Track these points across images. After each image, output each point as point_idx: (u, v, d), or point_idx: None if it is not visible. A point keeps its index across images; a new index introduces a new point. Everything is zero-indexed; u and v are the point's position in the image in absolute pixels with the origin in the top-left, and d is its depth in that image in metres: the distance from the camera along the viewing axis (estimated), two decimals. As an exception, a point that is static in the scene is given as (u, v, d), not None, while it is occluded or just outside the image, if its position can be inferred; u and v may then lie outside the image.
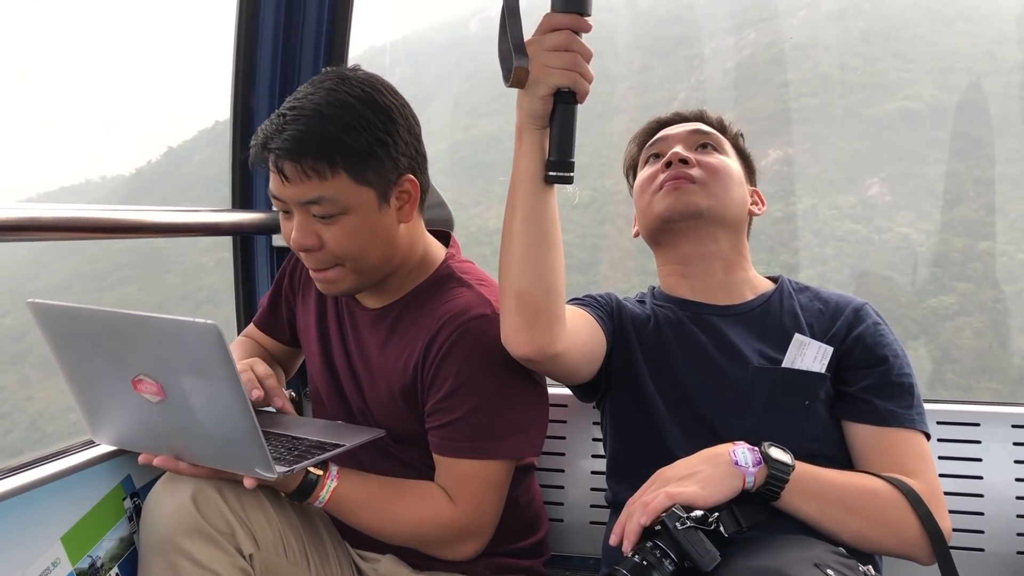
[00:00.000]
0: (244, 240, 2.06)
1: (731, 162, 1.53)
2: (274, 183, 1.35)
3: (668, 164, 1.49)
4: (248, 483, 1.26)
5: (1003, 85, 17.15)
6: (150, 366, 1.20)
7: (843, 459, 1.40)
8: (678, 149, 1.50)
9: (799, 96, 18.38)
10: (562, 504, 1.89)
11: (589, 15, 1.18)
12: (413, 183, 1.42)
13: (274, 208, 1.42)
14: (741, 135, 1.63)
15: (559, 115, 1.19)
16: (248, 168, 1.99)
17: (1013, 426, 1.73)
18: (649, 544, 1.10)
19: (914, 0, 20.86)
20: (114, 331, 1.21)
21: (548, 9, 1.18)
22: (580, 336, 1.38)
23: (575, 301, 1.53)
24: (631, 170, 1.66)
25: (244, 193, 2.04)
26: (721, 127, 1.61)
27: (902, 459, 1.33)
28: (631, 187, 1.64)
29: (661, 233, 1.52)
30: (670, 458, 1.30)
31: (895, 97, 17.70)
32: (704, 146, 1.54)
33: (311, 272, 1.45)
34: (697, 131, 1.56)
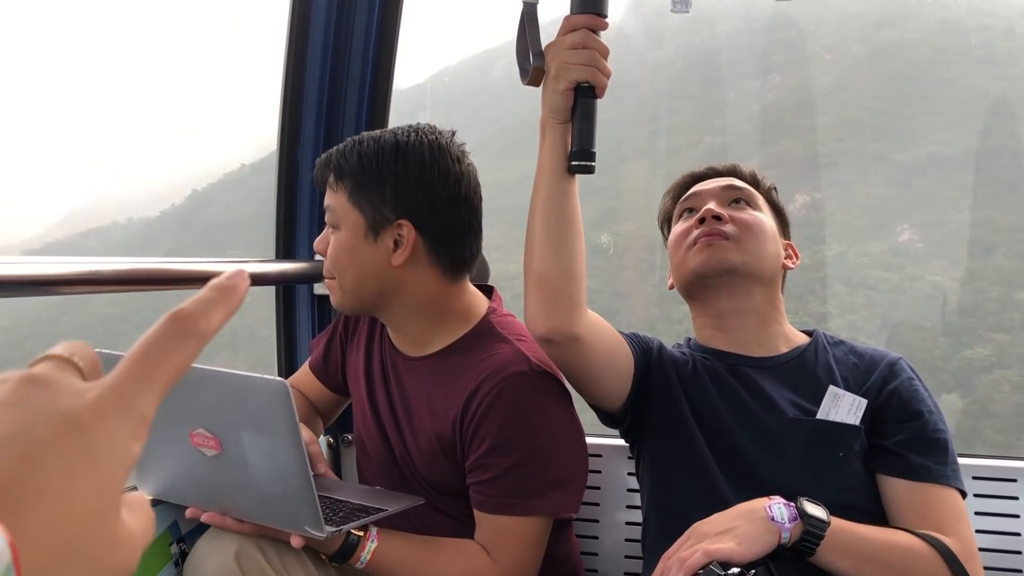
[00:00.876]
0: (287, 289, 2.13)
1: (764, 217, 1.55)
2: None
3: (702, 220, 1.50)
4: (295, 542, 1.30)
5: (1037, 129, 16.72)
6: (210, 420, 1.22)
7: (878, 512, 1.40)
8: (711, 205, 1.51)
9: (827, 141, 18.17)
10: (596, 555, 1.90)
11: (605, 15, 1.26)
12: (411, 230, 1.46)
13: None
14: (774, 188, 1.64)
15: (580, 109, 1.27)
16: (292, 220, 2.12)
17: None
18: None
19: (943, 43, 20.60)
20: (179, 384, 1.07)
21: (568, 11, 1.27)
22: (603, 335, 1.42)
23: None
24: (665, 223, 1.68)
25: (288, 243, 2.12)
26: (754, 181, 1.62)
27: (937, 516, 1.33)
28: (665, 239, 1.66)
29: (696, 288, 1.54)
30: (716, 498, 1.35)
31: (925, 141, 17.39)
32: (737, 201, 1.55)
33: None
34: (730, 186, 1.57)
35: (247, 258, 1.99)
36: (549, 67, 1.28)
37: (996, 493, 1.73)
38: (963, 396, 11.60)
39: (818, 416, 1.42)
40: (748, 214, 1.53)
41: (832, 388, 1.44)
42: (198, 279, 1.66)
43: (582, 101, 1.28)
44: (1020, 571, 1.68)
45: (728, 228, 1.49)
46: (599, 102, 1.29)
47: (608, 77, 1.27)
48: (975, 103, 18.19)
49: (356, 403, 1.69)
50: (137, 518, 0.37)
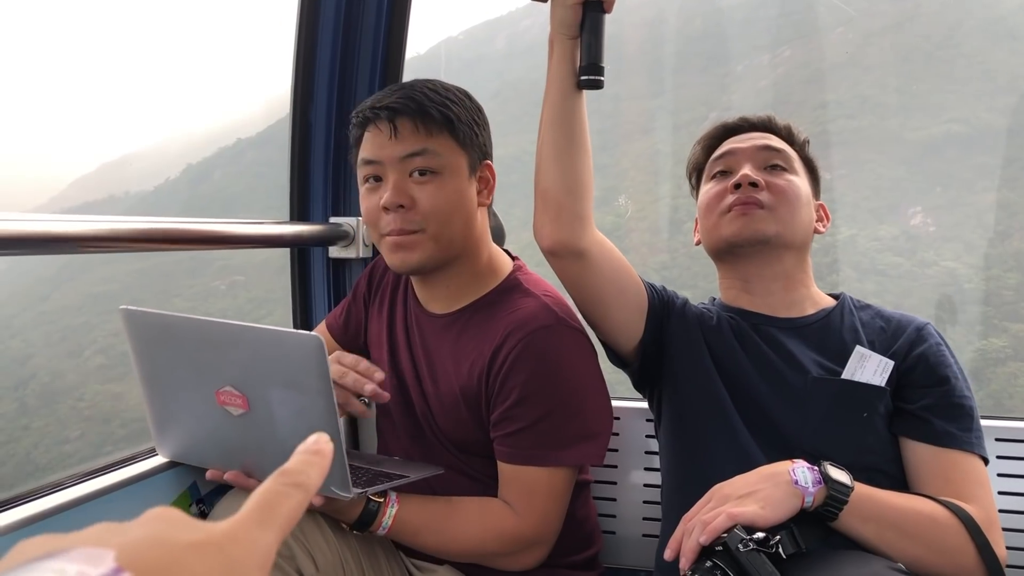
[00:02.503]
0: (302, 252, 2.16)
1: (799, 182, 1.55)
2: (375, 143, 1.47)
3: (737, 186, 1.50)
4: (317, 501, 1.31)
5: (1058, 107, 16.06)
6: (239, 377, 1.25)
7: (899, 475, 1.42)
8: (747, 171, 1.51)
9: (836, 118, 17.58)
10: (614, 517, 1.92)
11: None
12: (492, 171, 1.56)
13: (362, 180, 1.50)
14: (807, 142, 1.63)
15: (588, 23, 1.33)
16: (306, 182, 2.12)
17: None
18: (708, 563, 1.12)
19: (959, 17, 19.91)
20: (207, 340, 1.25)
21: None
22: (612, 259, 1.46)
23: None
24: (695, 172, 1.67)
25: (302, 205, 2.14)
26: (789, 136, 1.61)
27: (959, 482, 1.35)
28: (693, 189, 1.66)
29: (726, 254, 1.56)
30: (739, 451, 1.41)
31: (939, 120, 16.75)
32: (773, 166, 1.54)
33: (391, 239, 1.46)
34: (767, 147, 1.56)
35: (262, 219, 1.97)
36: None
37: (1020, 455, 1.74)
38: (978, 388, 11.09)
39: (843, 376, 1.43)
40: (784, 179, 1.53)
41: (859, 348, 1.45)
42: (212, 239, 1.69)
43: (590, 15, 1.31)
44: None
45: (763, 196, 1.49)
46: (608, 17, 1.32)
47: None
48: (994, 79, 17.56)
49: (377, 364, 1.61)
50: None
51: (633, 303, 1.52)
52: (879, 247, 14.48)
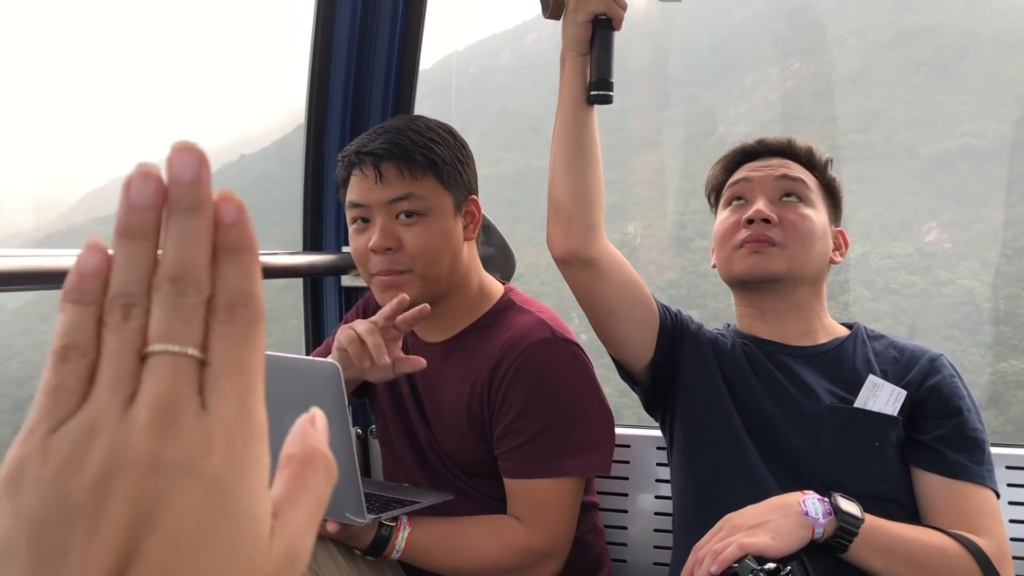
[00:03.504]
0: (314, 281, 2.18)
1: (815, 215, 1.52)
2: (362, 188, 1.49)
3: (750, 221, 1.50)
4: (331, 527, 1.34)
5: (1074, 119, 15.69)
6: None
7: (911, 504, 1.42)
8: (760, 206, 1.50)
9: (848, 132, 17.28)
10: (625, 545, 1.94)
11: None
12: (477, 205, 1.58)
13: (350, 221, 1.54)
14: (830, 162, 1.60)
15: (598, 40, 1.36)
16: (319, 211, 2.15)
17: None
18: None
19: (973, 27, 19.61)
20: None
21: None
22: (622, 271, 1.47)
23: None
24: (713, 193, 1.67)
25: (315, 236, 2.16)
26: (810, 160, 1.58)
27: (970, 515, 1.35)
28: (712, 208, 1.67)
29: (739, 287, 1.58)
30: (752, 478, 1.40)
31: (954, 133, 16.43)
32: (789, 195, 1.52)
33: (380, 279, 1.50)
34: (784, 177, 1.54)
35: (275, 250, 2.02)
36: (568, 0, 1.37)
37: None
38: (997, 414, 10.76)
39: (856, 404, 1.44)
40: (798, 214, 1.51)
41: (872, 377, 1.46)
42: None
43: (600, 33, 1.35)
44: None
45: (775, 234, 1.48)
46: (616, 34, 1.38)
47: (625, 9, 1.36)
48: (1008, 91, 17.24)
49: (378, 400, 1.70)
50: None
51: (643, 319, 1.53)
52: (893, 265, 14.14)
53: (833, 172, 1.61)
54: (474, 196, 1.58)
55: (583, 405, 1.50)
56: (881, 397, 1.43)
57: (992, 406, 11.14)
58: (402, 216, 1.48)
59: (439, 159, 1.48)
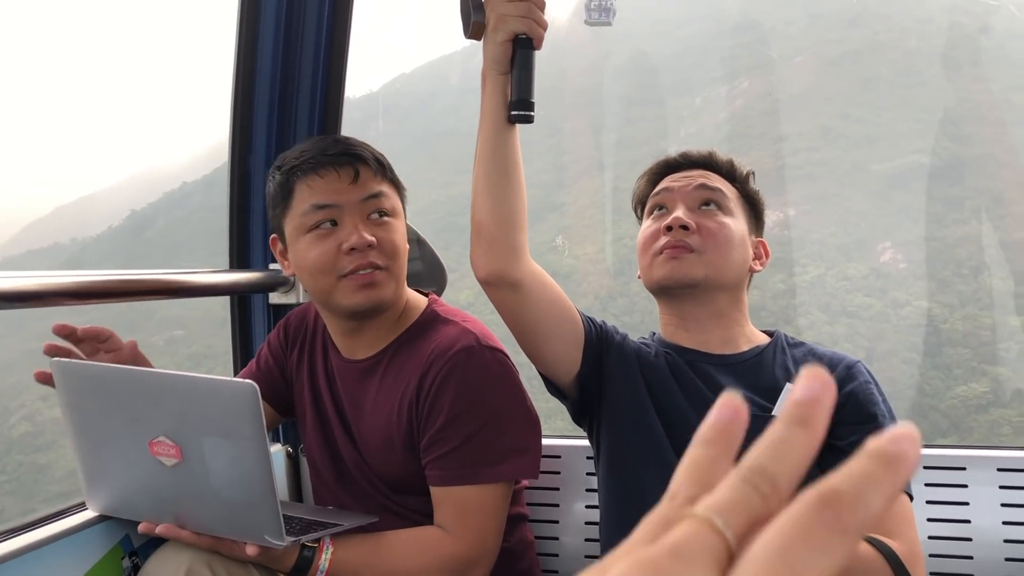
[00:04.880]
0: (242, 299, 2.17)
1: (733, 223, 1.57)
2: (332, 188, 1.50)
3: (669, 228, 1.56)
4: (251, 551, 1.32)
5: (1023, 135, 15.66)
6: (173, 427, 1.26)
7: None
8: (679, 214, 1.56)
9: (799, 151, 17.13)
10: (557, 555, 1.96)
11: None
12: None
13: (309, 227, 1.52)
14: (752, 175, 1.66)
15: (518, 60, 1.35)
16: (246, 229, 2.13)
17: (999, 469, 1.79)
18: None
19: (918, 45, 19.66)
20: (140, 390, 1.27)
21: None
22: (547, 290, 1.49)
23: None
24: (639, 204, 1.72)
25: (242, 253, 2.14)
26: (730, 172, 1.63)
27: (884, 519, 1.37)
28: (639, 219, 1.72)
29: (660, 294, 1.63)
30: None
31: (905, 150, 16.37)
32: (708, 204, 1.58)
33: (356, 277, 1.50)
34: (703, 186, 1.60)
35: (201, 268, 1.96)
36: (488, 19, 1.37)
37: (946, 482, 1.79)
38: (960, 440, 10.50)
39: (774, 413, 1.49)
40: (716, 221, 1.55)
41: (789, 385, 1.52)
42: (150, 290, 1.73)
43: (520, 52, 1.35)
44: (971, 557, 1.74)
45: (694, 240, 1.53)
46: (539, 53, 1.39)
47: (545, 29, 1.35)
48: (956, 108, 17.26)
49: (302, 419, 1.71)
50: None
51: (569, 334, 1.54)
52: (849, 287, 13.94)
53: (755, 185, 1.65)
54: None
55: (509, 412, 1.52)
56: None
57: (954, 432, 10.93)
58: (374, 215, 1.50)
59: (388, 167, 1.56)
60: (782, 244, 14.06)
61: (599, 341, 1.59)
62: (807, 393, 0.32)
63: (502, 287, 1.42)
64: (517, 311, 1.47)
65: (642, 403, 1.53)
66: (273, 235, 1.62)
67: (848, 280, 14.01)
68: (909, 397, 11.27)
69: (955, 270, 13.59)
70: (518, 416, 1.52)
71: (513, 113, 1.36)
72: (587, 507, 1.95)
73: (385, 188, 1.52)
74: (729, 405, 0.35)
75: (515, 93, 1.36)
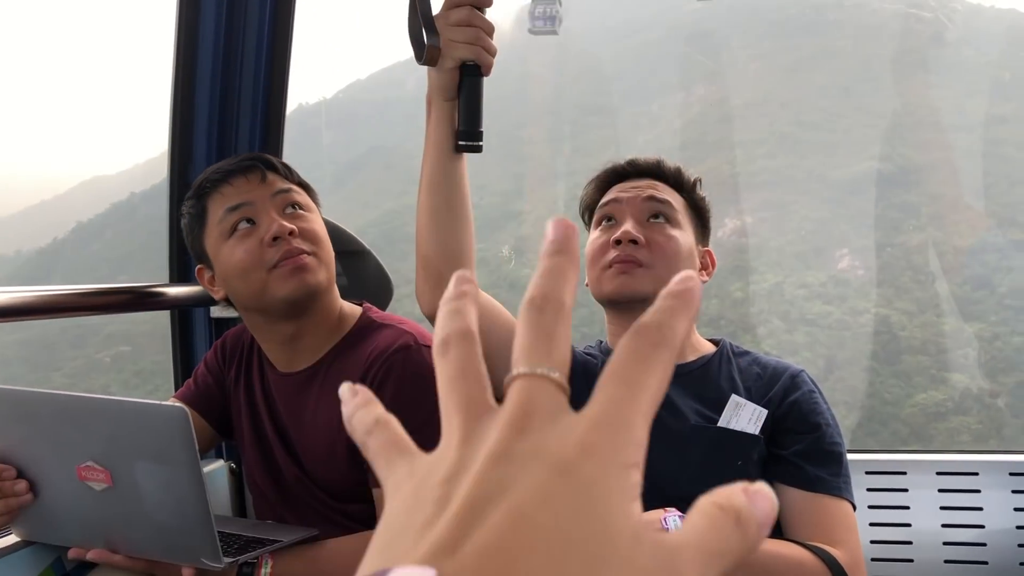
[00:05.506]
0: (183, 313, 2.17)
1: (681, 236, 1.58)
2: (243, 189, 1.53)
3: (617, 242, 1.56)
4: (187, 573, 1.32)
5: (977, 141, 15.78)
6: (101, 451, 1.25)
7: (777, 520, 1.08)
8: (628, 227, 1.56)
9: (755, 158, 17.08)
10: None
11: None
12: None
13: (229, 231, 1.54)
14: (699, 182, 1.66)
15: (466, 87, 1.29)
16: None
17: (938, 473, 1.81)
18: None
19: (874, 51, 19.79)
20: (66, 415, 1.27)
21: None
22: (498, 323, 1.47)
23: None
24: (587, 211, 1.70)
25: (182, 266, 2.14)
26: (678, 180, 1.65)
27: (828, 527, 1.42)
28: (587, 226, 1.70)
29: (608, 306, 1.63)
30: None
31: (861, 157, 16.37)
32: (656, 216, 1.59)
33: (285, 264, 1.51)
34: (651, 198, 1.60)
35: (139, 283, 1.97)
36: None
37: (888, 486, 1.83)
38: (920, 447, 10.41)
39: (719, 424, 1.50)
40: (665, 235, 1.56)
41: (734, 397, 1.52)
42: (87, 306, 1.73)
43: (468, 80, 1.29)
44: (911, 560, 1.79)
45: (642, 255, 1.52)
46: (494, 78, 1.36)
47: (494, 56, 1.30)
48: (911, 114, 17.33)
49: (240, 439, 1.71)
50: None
51: None
52: (807, 295, 13.82)
53: (702, 191, 1.67)
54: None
55: None
56: (743, 416, 1.49)
57: (915, 441, 10.83)
58: (289, 209, 1.53)
59: (305, 181, 1.60)
60: (740, 252, 13.97)
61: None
62: (558, 231, 0.38)
63: None
64: None
65: None
66: (199, 265, 1.61)
67: (806, 288, 13.93)
68: (870, 406, 11.19)
69: (912, 276, 13.58)
70: None
71: (460, 143, 1.31)
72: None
73: (295, 188, 1.56)
74: (561, 222, 0.39)
75: (462, 122, 1.30)
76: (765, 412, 1.48)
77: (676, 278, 0.37)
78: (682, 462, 1.45)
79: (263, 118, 2.12)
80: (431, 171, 1.35)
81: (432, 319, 1.37)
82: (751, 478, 1.11)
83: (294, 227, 1.50)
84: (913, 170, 15.60)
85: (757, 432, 1.48)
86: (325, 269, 1.54)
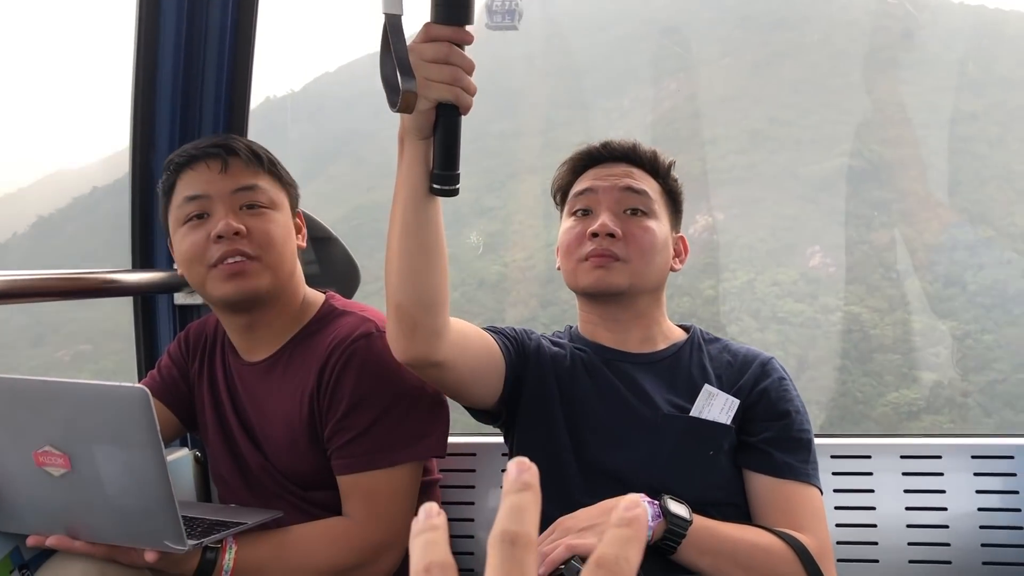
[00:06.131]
0: (145, 300, 2.13)
1: (657, 227, 1.57)
2: (202, 179, 1.53)
3: (594, 234, 1.54)
4: (150, 556, 1.29)
5: (946, 138, 15.79)
6: (59, 436, 1.23)
7: (745, 506, 1.49)
8: (605, 219, 1.53)
9: (726, 154, 16.99)
10: (472, 554, 1.97)
11: (471, 24, 1.17)
12: (302, 218, 1.67)
13: (182, 220, 1.54)
14: (673, 165, 1.65)
15: (442, 127, 1.20)
16: (150, 228, 2.10)
17: (902, 456, 1.84)
18: None
19: (844, 46, 19.76)
20: (22, 399, 1.24)
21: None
22: (469, 352, 1.44)
23: (490, 329, 1.59)
24: (559, 192, 1.70)
25: (145, 252, 2.10)
26: (654, 165, 1.63)
27: (796, 513, 1.42)
28: (558, 207, 1.69)
29: (583, 297, 1.63)
30: (568, 501, 1.40)
31: (832, 153, 16.33)
32: (634, 211, 1.57)
33: (224, 267, 1.49)
34: (628, 188, 1.58)
35: (103, 268, 1.94)
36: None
37: (853, 470, 1.85)
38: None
39: (691, 413, 1.48)
40: (641, 227, 1.55)
41: (707, 387, 1.50)
42: (47, 292, 1.71)
43: (444, 120, 1.19)
44: (875, 543, 1.81)
45: (619, 249, 1.52)
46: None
47: (473, 95, 1.19)
48: (882, 110, 17.33)
49: (203, 427, 1.70)
50: None
51: (494, 375, 1.52)
52: (779, 292, 13.72)
53: (675, 174, 1.64)
54: (300, 210, 1.65)
55: (413, 395, 1.51)
56: (715, 406, 1.48)
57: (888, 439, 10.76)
58: (245, 208, 1.51)
59: (274, 163, 1.59)
60: (711, 249, 13.89)
61: (518, 358, 1.57)
62: (520, 470, 0.42)
63: (424, 367, 1.35)
64: (441, 382, 1.44)
65: (552, 411, 1.54)
66: (169, 238, 1.61)
67: (778, 285, 13.85)
68: (842, 405, 11.13)
69: (884, 274, 13.56)
70: (423, 398, 1.53)
71: (435, 186, 1.22)
72: (504, 505, 1.94)
73: (261, 182, 1.54)
74: (523, 462, 0.43)
75: (438, 164, 1.20)
76: (737, 402, 1.49)
77: (622, 506, 0.42)
78: (654, 451, 1.46)
79: (227, 105, 2.09)
80: (403, 214, 1.25)
81: (406, 364, 1.37)
82: (722, 467, 1.42)
83: (241, 227, 1.48)
84: (884, 166, 15.61)
85: (729, 422, 1.47)
86: (270, 274, 1.52)
